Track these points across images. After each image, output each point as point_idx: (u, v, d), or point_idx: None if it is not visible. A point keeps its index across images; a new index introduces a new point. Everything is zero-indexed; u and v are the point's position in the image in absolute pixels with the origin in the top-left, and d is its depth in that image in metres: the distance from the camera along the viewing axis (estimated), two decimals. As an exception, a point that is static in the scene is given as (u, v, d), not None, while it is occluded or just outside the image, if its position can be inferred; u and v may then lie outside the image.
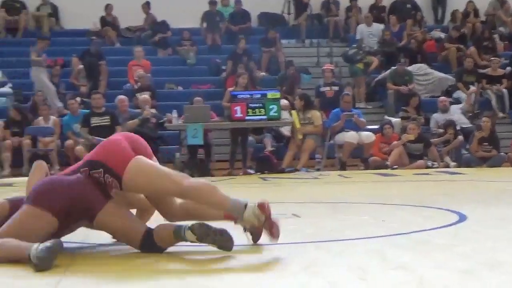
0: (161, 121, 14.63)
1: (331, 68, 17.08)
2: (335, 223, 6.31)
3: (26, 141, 14.69)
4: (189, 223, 4.51)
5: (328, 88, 16.39)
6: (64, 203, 4.46)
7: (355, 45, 19.05)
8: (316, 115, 14.48)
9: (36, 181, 4.75)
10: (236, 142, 14.41)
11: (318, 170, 14.40)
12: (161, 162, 14.40)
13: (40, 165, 5.03)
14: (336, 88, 16.43)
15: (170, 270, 4.22)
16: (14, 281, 3.95)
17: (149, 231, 4.58)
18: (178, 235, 4.49)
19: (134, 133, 15.53)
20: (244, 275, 4.04)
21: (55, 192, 4.48)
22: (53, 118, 15.30)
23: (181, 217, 4.85)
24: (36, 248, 4.11)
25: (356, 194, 9.35)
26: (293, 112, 14.57)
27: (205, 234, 4.43)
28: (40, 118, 15.28)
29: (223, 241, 4.49)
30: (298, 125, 14.21)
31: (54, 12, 20.88)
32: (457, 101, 17.26)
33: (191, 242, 4.47)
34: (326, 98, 16.24)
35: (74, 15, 20.79)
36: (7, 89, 17.77)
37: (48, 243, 4.16)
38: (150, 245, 4.56)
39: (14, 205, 4.70)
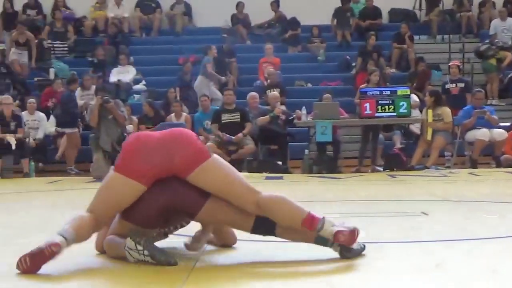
0: (291, 118, 14.69)
1: (457, 64, 16.69)
2: (464, 221, 6.22)
3: (158, 136, 15.00)
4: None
5: (453, 85, 16.08)
6: (157, 216, 4.36)
7: (487, 41, 18.60)
8: (446, 112, 14.21)
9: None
10: (366, 139, 14.34)
11: (447, 167, 14.16)
12: (290, 158, 14.58)
13: None
14: (462, 85, 16.10)
15: (302, 268, 4.25)
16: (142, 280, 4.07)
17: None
18: (321, 242, 4.35)
19: (264, 129, 15.62)
20: (372, 273, 4.04)
21: (145, 209, 4.34)
22: (184, 114, 15.59)
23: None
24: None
25: (486, 193, 9.16)
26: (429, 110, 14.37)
27: (348, 257, 4.32)
28: (172, 114, 15.60)
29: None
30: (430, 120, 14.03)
31: (187, 11, 21.26)
32: None
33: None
34: (451, 95, 15.93)
35: (206, 13, 21.12)
36: (141, 86, 18.27)
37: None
38: (266, 229, 4.40)
39: None
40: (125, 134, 13.25)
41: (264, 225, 4.38)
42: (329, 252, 4.37)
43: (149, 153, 4.30)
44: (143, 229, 4.33)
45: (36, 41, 18.95)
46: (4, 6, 20.15)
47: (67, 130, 15.17)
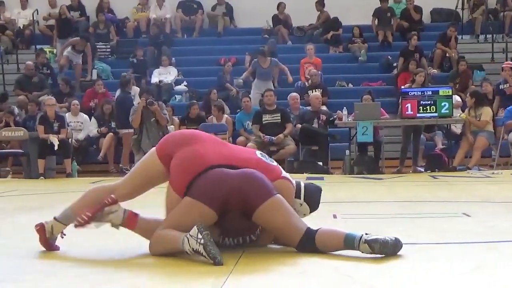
0: (332, 118, 14.66)
1: (510, 66, 16.44)
2: (507, 223, 6.15)
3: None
4: (364, 235, 4.39)
5: (507, 85, 15.88)
6: (223, 197, 4.46)
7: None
8: (485, 111, 14.04)
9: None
10: (408, 139, 14.27)
11: (491, 168, 14.03)
12: (331, 159, 14.52)
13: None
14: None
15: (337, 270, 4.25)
16: (183, 278, 4.11)
17: (310, 231, 4.52)
18: (350, 245, 4.42)
19: (305, 130, 15.50)
20: (411, 274, 4.02)
21: (216, 187, 4.47)
22: (225, 116, 15.61)
23: None
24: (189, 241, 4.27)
25: (530, 194, 9.06)
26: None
27: (380, 250, 4.37)
28: (213, 116, 15.62)
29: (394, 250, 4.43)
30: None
31: (229, 12, 21.31)
32: None
33: (362, 252, 4.40)
34: (505, 95, 15.76)
35: (247, 14, 21.14)
36: (182, 87, 18.36)
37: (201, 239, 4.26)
38: (308, 245, 4.51)
39: None
40: (165, 136, 13.31)
41: (307, 245, 4.50)
42: (366, 255, 4.39)
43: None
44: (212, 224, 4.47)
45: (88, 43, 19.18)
46: (59, 12, 20.34)
47: (123, 131, 15.26)
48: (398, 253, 4.42)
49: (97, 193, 4.84)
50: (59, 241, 4.82)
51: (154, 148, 4.84)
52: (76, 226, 4.63)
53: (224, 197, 4.47)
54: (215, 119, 15.55)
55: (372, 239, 4.38)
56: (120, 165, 15.16)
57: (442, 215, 6.81)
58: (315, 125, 14.57)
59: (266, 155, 4.98)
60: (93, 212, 4.56)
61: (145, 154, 13.81)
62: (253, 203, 4.47)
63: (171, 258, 4.41)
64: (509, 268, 4.12)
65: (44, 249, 4.79)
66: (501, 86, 15.95)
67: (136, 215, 4.66)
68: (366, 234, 4.42)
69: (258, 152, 4.93)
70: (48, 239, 4.77)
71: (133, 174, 4.88)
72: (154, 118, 13.60)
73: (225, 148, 4.79)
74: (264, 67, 16.94)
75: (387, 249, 4.38)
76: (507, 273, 4.00)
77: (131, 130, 14.75)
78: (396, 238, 4.47)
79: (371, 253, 4.37)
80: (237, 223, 4.61)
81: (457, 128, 14.88)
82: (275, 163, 4.90)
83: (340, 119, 14.28)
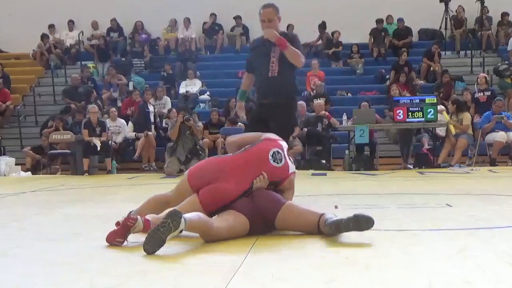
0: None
1: (485, 76, 16.42)
2: (484, 212, 6.10)
3: (220, 139, 15.09)
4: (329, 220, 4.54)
5: (481, 94, 15.84)
6: (253, 214, 4.69)
7: (507, 62, 18.22)
8: (466, 116, 14.07)
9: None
10: (401, 141, 14.24)
11: (469, 165, 13.97)
12: (333, 157, 14.44)
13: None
14: (488, 93, 15.88)
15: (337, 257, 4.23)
16: (206, 256, 4.11)
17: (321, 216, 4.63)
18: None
19: (310, 132, 15.40)
20: (402, 257, 4.00)
21: (248, 207, 4.72)
22: (239, 123, 15.60)
23: None
24: None
25: (504, 188, 8.99)
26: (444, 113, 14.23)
27: (337, 231, 4.48)
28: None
29: (360, 223, 4.46)
30: (452, 131, 13.93)
31: (245, 32, 21.34)
32: None
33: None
34: (480, 102, 15.71)
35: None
36: (206, 96, 18.37)
37: None
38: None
39: None
40: (198, 146, 13.30)
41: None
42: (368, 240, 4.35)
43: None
44: None
45: (124, 59, 19.25)
46: (99, 40, 20.57)
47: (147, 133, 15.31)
48: (385, 236, 4.37)
49: (156, 200, 5.16)
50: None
51: (186, 177, 5.01)
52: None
53: (254, 214, 4.69)
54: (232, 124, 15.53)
55: (329, 222, 4.50)
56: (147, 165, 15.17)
57: (428, 206, 6.76)
58: (319, 128, 14.56)
59: (277, 152, 5.15)
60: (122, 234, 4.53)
61: (178, 159, 13.71)
62: (271, 217, 4.71)
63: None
64: (487, 251, 4.09)
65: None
66: (476, 95, 15.89)
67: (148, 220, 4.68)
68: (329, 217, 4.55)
69: (270, 154, 5.09)
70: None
71: (177, 192, 5.08)
72: (189, 131, 13.55)
73: (242, 174, 4.89)
74: None
75: (347, 228, 4.45)
76: (485, 256, 3.97)
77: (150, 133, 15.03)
78: (354, 215, 4.50)
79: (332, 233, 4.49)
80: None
81: (441, 131, 14.82)
82: (283, 162, 5.10)
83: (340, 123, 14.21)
